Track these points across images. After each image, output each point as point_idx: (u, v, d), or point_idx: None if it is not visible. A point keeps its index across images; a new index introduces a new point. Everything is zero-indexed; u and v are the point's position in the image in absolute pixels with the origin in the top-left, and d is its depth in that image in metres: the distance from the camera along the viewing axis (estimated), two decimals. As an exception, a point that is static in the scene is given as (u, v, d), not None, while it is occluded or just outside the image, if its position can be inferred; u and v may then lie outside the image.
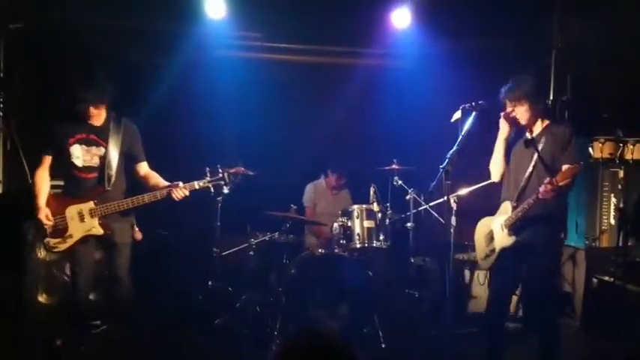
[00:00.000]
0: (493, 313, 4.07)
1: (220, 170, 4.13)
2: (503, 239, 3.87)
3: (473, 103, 3.64)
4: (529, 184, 3.77)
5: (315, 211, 5.96)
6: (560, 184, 3.48)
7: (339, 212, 5.20)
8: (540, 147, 3.74)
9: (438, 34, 5.76)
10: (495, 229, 3.94)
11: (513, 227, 3.80)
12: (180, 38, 5.66)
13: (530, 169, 3.76)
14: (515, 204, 3.81)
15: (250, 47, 6.12)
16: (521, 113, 3.79)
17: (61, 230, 3.90)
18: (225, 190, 4.21)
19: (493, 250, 3.96)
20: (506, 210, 3.87)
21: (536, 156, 3.71)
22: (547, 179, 3.54)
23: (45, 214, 3.87)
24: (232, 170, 4.88)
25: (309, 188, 6.07)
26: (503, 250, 3.88)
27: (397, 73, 6.22)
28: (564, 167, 3.61)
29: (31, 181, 4.41)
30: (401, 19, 5.79)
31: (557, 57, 5.83)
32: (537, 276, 3.81)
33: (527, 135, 3.82)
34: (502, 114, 3.88)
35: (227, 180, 4.13)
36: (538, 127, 3.84)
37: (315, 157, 6.17)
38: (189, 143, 5.91)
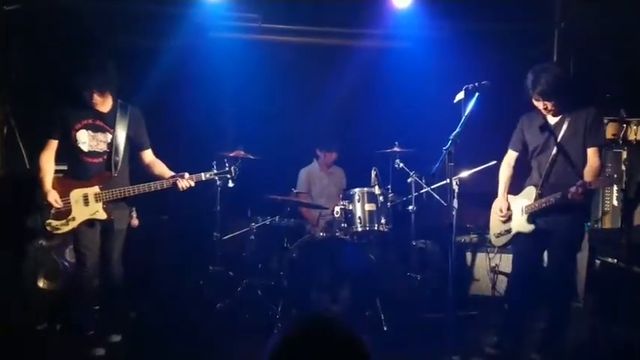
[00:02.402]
0: (513, 299, 4.05)
1: (227, 164, 4.19)
2: (521, 224, 3.83)
3: (476, 84, 3.58)
4: (553, 170, 3.73)
5: (311, 196, 5.92)
6: (592, 187, 3.45)
7: (337, 192, 5.13)
8: (562, 133, 3.68)
9: (439, 15, 5.67)
10: (515, 211, 3.90)
11: (534, 215, 3.75)
12: (177, 20, 5.57)
13: (552, 155, 3.71)
14: (540, 191, 3.75)
15: (248, 29, 6.02)
16: (549, 107, 3.73)
17: (64, 213, 3.89)
18: (231, 184, 4.23)
19: (508, 231, 3.93)
20: (529, 195, 3.82)
21: (558, 141, 3.67)
22: (580, 181, 3.49)
23: (54, 198, 3.87)
24: (232, 154, 4.86)
25: (301, 174, 6.02)
26: (519, 234, 3.83)
27: (398, 54, 6.12)
28: (590, 150, 3.57)
29: (28, 166, 4.35)
30: (401, -1, 5.68)
31: (559, 38, 5.76)
32: (556, 263, 3.78)
33: (546, 119, 3.76)
34: None
35: (233, 174, 4.15)
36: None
37: (314, 139, 6.11)
38: (187, 127, 5.83)
